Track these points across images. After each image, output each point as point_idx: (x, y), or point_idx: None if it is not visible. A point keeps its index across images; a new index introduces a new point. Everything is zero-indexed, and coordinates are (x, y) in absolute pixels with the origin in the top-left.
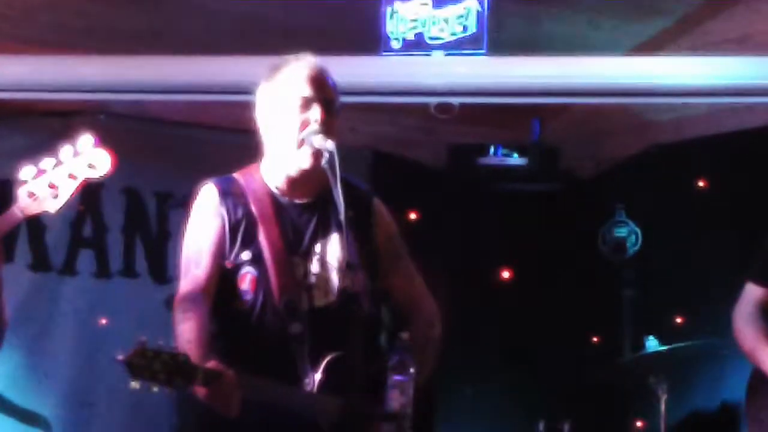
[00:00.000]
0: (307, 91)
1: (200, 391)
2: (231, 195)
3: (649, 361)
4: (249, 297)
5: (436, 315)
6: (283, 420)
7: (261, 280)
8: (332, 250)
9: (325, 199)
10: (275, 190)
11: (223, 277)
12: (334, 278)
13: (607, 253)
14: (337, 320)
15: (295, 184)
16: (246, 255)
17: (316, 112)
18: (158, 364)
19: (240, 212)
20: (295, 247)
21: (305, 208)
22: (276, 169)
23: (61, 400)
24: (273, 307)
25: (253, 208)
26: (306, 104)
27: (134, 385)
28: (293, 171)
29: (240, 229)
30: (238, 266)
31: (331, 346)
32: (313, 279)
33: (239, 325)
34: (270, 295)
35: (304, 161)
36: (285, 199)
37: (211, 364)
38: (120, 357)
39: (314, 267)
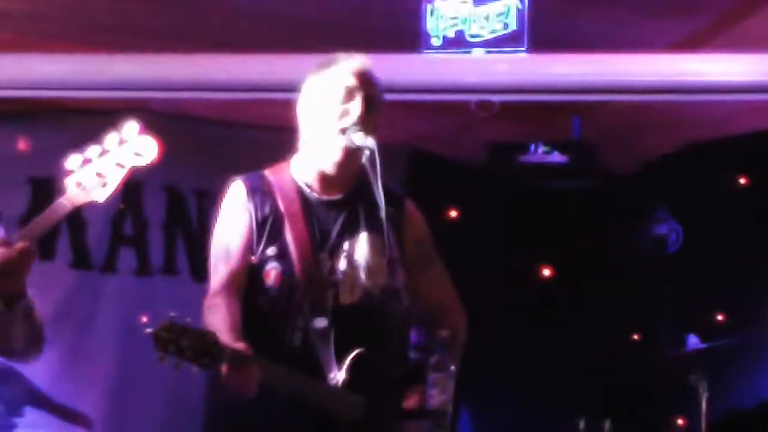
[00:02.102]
0: (351, 81)
1: (223, 370)
2: (259, 191)
3: (690, 358)
4: (274, 292)
5: (462, 324)
6: (304, 413)
7: (286, 275)
8: (360, 248)
9: (355, 197)
10: (304, 187)
11: (249, 272)
12: (362, 276)
13: (647, 251)
14: (363, 318)
15: (326, 180)
16: (272, 251)
17: (357, 104)
18: (186, 340)
19: (267, 208)
20: (322, 244)
21: (334, 205)
22: (307, 165)
23: (102, 397)
24: (298, 302)
25: (281, 205)
26: (349, 95)
27: (161, 358)
28: (326, 165)
29: (267, 225)
30: (263, 261)
31: (357, 343)
32: (339, 276)
33: (264, 320)
34: (295, 291)
35: (338, 154)
36: (314, 196)
37: (240, 345)
38: (148, 330)
39: (341, 264)
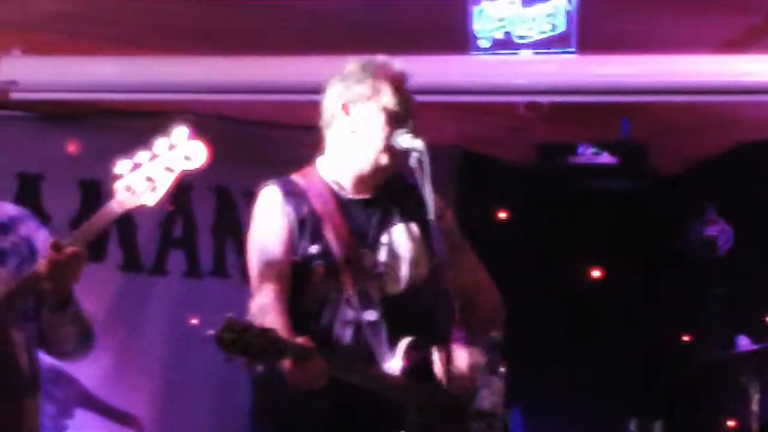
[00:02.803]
0: (390, 97)
1: (286, 365)
2: (293, 194)
3: (740, 360)
4: (321, 289)
5: (498, 310)
6: (367, 402)
7: (331, 271)
8: (399, 239)
9: (383, 196)
10: (336, 188)
11: (294, 271)
12: (404, 267)
13: (696, 252)
14: (410, 307)
15: (361, 181)
16: (315, 249)
17: (400, 115)
18: (249, 337)
19: (304, 210)
20: (362, 239)
21: (367, 204)
22: (339, 166)
23: (152, 399)
24: (346, 297)
25: (316, 206)
26: (392, 113)
27: (228, 359)
28: (367, 168)
29: (306, 225)
30: (308, 260)
31: (407, 332)
32: (382, 268)
33: (314, 317)
34: (342, 286)
35: (384, 159)
36: (347, 196)
37: (301, 339)
38: (211, 332)
39: (382, 256)
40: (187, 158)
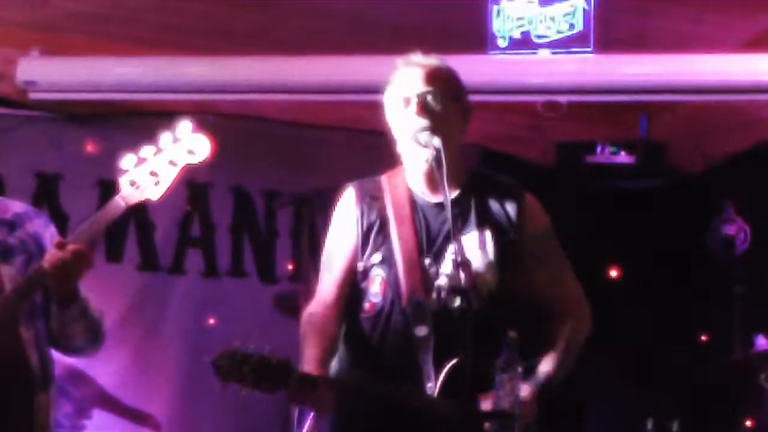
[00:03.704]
0: (404, 88)
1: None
2: (368, 196)
3: (759, 359)
4: (378, 299)
5: (586, 321)
6: (401, 422)
7: (390, 281)
8: (467, 248)
9: (467, 194)
10: (415, 190)
11: (354, 279)
12: (467, 278)
13: (715, 251)
14: (464, 323)
15: (430, 181)
16: (377, 257)
17: (412, 110)
18: (247, 366)
19: (374, 214)
20: (428, 248)
21: (443, 205)
22: (410, 169)
23: (170, 399)
24: (401, 308)
25: (390, 208)
26: (405, 102)
27: (223, 385)
28: (421, 168)
29: (373, 230)
30: (368, 269)
31: (457, 349)
32: (444, 280)
33: (368, 327)
34: (399, 297)
35: (421, 156)
36: (423, 198)
37: (308, 368)
38: (207, 359)
39: (446, 267)
40: (190, 152)
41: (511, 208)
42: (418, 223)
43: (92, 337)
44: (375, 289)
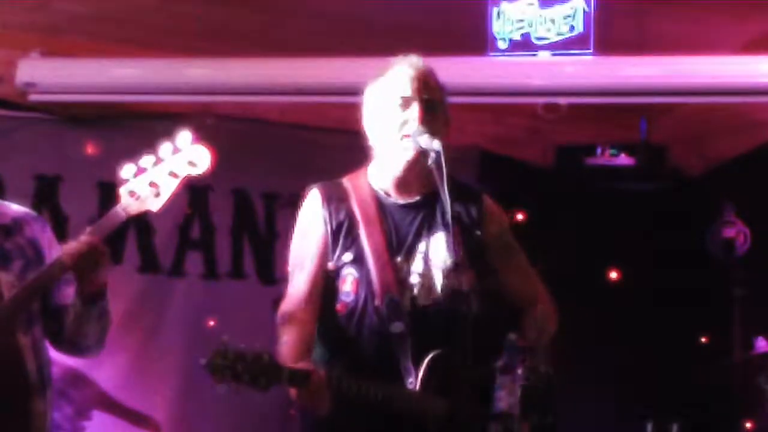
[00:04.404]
0: (407, 90)
1: (291, 391)
2: (334, 198)
3: (759, 361)
4: (351, 298)
5: (552, 314)
6: (390, 417)
7: (363, 280)
8: (436, 249)
9: (431, 198)
10: (380, 192)
11: (326, 278)
12: (438, 277)
13: (715, 253)
14: (440, 319)
15: (401, 183)
16: (348, 256)
17: (414, 111)
18: (241, 365)
19: (342, 215)
20: (397, 247)
21: (410, 207)
22: (381, 170)
23: (170, 401)
24: (375, 307)
25: (357, 210)
26: (406, 103)
27: (220, 389)
28: (398, 170)
29: (342, 231)
30: (340, 268)
31: (434, 345)
32: (416, 278)
33: (342, 326)
34: (372, 295)
35: (406, 158)
36: (389, 200)
37: (301, 364)
38: (202, 361)
39: (417, 266)
40: (191, 163)
41: (472, 208)
42: (387, 223)
43: (101, 338)
44: (347, 288)
